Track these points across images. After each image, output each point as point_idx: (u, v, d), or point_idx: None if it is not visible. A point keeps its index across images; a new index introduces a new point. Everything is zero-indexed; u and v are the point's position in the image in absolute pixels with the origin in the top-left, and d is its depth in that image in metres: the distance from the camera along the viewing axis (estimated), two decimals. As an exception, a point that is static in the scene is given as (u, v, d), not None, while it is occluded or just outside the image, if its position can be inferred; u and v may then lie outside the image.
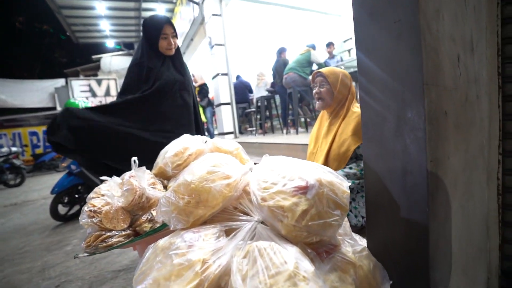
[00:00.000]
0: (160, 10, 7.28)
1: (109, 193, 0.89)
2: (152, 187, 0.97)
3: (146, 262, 0.61)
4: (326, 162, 1.30)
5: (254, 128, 4.95)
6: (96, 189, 1.01)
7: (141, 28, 1.56)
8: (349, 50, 6.82)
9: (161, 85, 1.49)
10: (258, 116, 4.72)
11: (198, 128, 1.69)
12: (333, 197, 0.62)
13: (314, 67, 4.03)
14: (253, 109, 5.03)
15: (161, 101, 1.52)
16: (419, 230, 0.54)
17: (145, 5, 6.99)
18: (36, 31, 17.48)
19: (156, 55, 1.53)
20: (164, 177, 1.13)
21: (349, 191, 0.66)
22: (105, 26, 8.01)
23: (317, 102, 1.39)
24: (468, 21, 0.66)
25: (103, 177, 1.13)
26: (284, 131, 4.29)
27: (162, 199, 0.73)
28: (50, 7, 6.56)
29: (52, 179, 2.94)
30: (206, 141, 1.22)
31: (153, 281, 0.54)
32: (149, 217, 0.92)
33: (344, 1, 7.00)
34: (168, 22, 1.49)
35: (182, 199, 0.69)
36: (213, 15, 4.77)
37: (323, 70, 1.35)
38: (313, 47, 4.16)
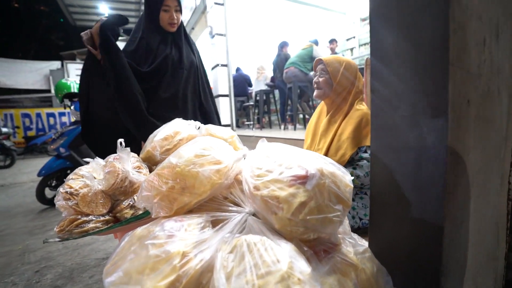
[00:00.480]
0: (162, -4, 7.10)
1: (88, 174, 0.81)
2: (137, 171, 0.89)
3: (120, 251, 0.54)
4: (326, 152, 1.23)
5: (252, 122, 4.87)
6: (76, 170, 0.93)
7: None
8: (351, 49, 6.76)
9: (158, 64, 1.35)
10: (256, 110, 4.63)
11: (209, 118, 1.53)
12: (335, 190, 0.55)
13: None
14: (252, 103, 4.94)
15: (159, 83, 1.38)
16: (431, 232, 0.48)
17: (146, -11, 6.79)
18: (33, 12, 17.01)
19: (156, 30, 1.37)
20: (152, 162, 1.05)
21: (352, 185, 0.59)
22: (104, 9, 7.79)
23: (315, 91, 1.30)
24: (495, 2, 0.59)
25: (86, 159, 1.06)
26: (282, 126, 4.22)
27: (143, 183, 0.66)
28: (48, -15, 6.34)
29: (43, 163, 2.83)
30: (199, 127, 1.14)
31: (124, 273, 0.47)
32: (131, 202, 0.84)
33: (350, -1, 6.90)
34: None
35: (165, 184, 0.62)
36: (215, 3, 4.64)
37: (325, 57, 1.25)
38: (316, 43, 4.09)
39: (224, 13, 4.75)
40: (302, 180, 0.53)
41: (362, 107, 1.20)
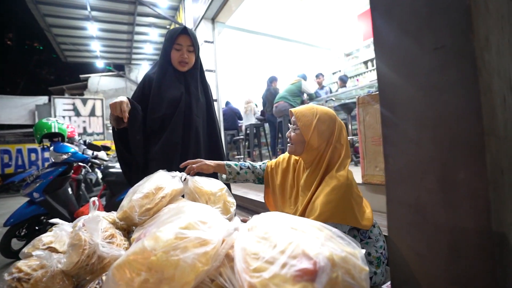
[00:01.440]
0: (153, 34, 7.33)
1: (44, 254, 0.66)
2: (108, 242, 0.75)
3: None
4: None
5: (242, 156, 4.77)
6: (35, 240, 0.78)
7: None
8: (337, 82, 7.01)
9: (166, 110, 1.28)
10: (247, 143, 4.57)
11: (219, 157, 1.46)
12: (350, 283, 0.44)
13: (305, 96, 4.02)
14: (242, 136, 4.89)
15: (163, 125, 1.30)
16: None
17: (138, 29, 7.02)
18: (25, 48, 17.25)
19: (168, 68, 1.33)
20: (131, 224, 0.91)
21: (367, 268, 0.48)
22: (96, 46, 7.94)
23: (288, 145, 1.10)
24: (506, 54, 0.54)
25: (53, 220, 0.91)
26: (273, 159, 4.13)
27: (110, 271, 0.52)
28: (40, 25, 6.46)
29: (18, 203, 2.57)
30: (185, 179, 1.02)
31: None
32: (99, 284, 0.69)
33: (334, 36, 7.34)
34: (185, 32, 1.29)
35: (137, 275, 0.49)
36: (205, 41, 4.79)
37: (296, 109, 1.05)
38: (304, 78, 4.20)
39: (214, 50, 4.89)
40: (310, 276, 0.42)
41: (342, 174, 0.96)
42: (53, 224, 0.86)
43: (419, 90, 0.43)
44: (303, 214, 1.00)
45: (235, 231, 0.58)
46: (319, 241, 0.48)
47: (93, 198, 0.89)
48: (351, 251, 0.49)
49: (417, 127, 0.45)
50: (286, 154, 1.19)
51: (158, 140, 1.28)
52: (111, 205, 2.61)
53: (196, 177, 1.02)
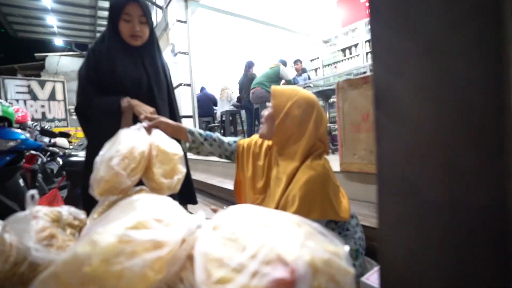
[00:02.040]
0: (120, 11, 6.74)
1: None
2: (46, 244, 0.61)
3: None
4: None
5: (218, 143, 4.64)
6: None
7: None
8: (315, 69, 7.01)
9: (121, 84, 1.11)
10: (222, 131, 4.43)
11: None
12: (335, 289, 0.37)
13: (283, 82, 3.93)
14: (217, 124, 4.73)
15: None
16: None
17: (102, 3, 6.38)
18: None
19: (119, 43, 1.13)
20: (117, 192, 0.80)
21: (353, 271, 0.41)
22: (52, 21, 7.11)
23: (260, 125, 1.02)
24: None
25: None
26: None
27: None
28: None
29: None
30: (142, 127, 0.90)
31: None
32: (31, 297, 0.56)
33: (312, 22, 7.26)
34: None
35: (67, 293, 0.38)
36: (178, 21, 4.47)
37: (275, 87, 0.96)
38: (284, 63, 4.09)
39: (187, 31, 4.59)
40: (288, 287, 0.34)
41: (318, 163, 0.88)
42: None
43: (422, 55, 0.35)
44: (276, 207, 0.93)
45: (198, 229, 0.48)
46: (297, 241, 0.40)
47: (32, 191, 0.74)
48: (334, 250, 0.42)
49: (417, 103, 0.37)
50: (259, 138, 1.09)
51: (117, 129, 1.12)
52: (72, 198, 2.38)
53: (158, 132, 0.91)
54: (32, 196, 0.75)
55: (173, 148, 0.90)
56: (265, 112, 0.97)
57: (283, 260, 0.35)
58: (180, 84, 4.49)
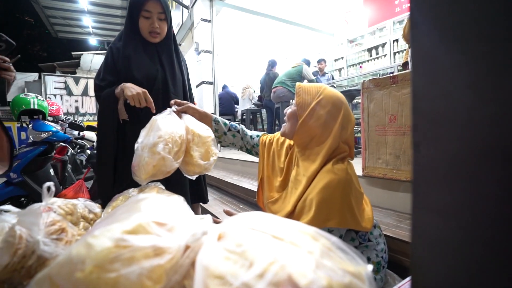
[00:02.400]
0: (148, 11, 6.98)
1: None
2: (55, 238, 0.61)
3: None
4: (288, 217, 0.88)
5: (238, 142, 4.63)
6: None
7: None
8: (339, 69, 6.79)
9: (135, 80, 1.11)
10: (243, 130, 4.42)
11: None
12: (355, 321, 0.31)
13: (306, 82, 3.84)
14: (238, 122, 4.73)
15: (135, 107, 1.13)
16: None
17: (132, 4, 6.65)
18: (16, 21, 16.51)
19: (136, 39, 1.14)
20: (164, 175, 0.84)
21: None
22: (88, 22, 7.56)
23: (282, 124, 0.96)
24: None
25: (3, 207, 0.77)
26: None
27: None
28: (28, -5, 6.09)
29: None
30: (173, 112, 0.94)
31: None
32: (38, 291, 0.55)
33: (338, 21, 7.04)
34: None
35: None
36: (202, 20, 4.52)
37: (300, 84, 0.91)
38: (307, 63, 3.99)
39: (211, 30, 4.63)
40: (300, 317, 0.28)
41: (340, 167, 0.81)
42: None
43: (469, 68, 0.28)
44: (293, 211, 0.87)
45: (204, 235, 0.44)
46: (312, 259, 0.34)
47: (47, 184, 0.75)
48: (355, 271, 0.36)
49: (465, 103, 0.30)
50: (281, 137, 1.04)
51: (133, 123, 1.12)
52: (96, 188, 2.48)
53: (188, 117, 0.96)
54: (48, 188, 0.76)
55: (205, 131, 0.93)
56: (288, 110, 0.92)
57: (295, 284, 0.30)
58: (203, 82, 4.54)
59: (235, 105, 5.16)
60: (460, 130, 0.32)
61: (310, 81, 3.74)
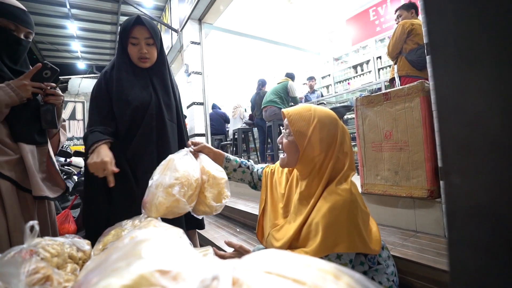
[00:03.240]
0: (137, 35, 7.07)
1: None
2: (39, 288, 0.54)
3: None
4: (289, 245, 0.84)
5: (230, 162, 4.57)
6: None
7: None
8: (327, 86, 6.98)
9: (129, 105, 1.09)
10: (234, 149, 4.38)
11: None
12: None
13: (292, 107, 3.88)
14: (230, 142, 4.70)
15: (131, 133, 1.10)
16: None
17: (121, 29, 6.74)
18: None
19: (128, 65, 1.13)
20: (175, 215, 0.86)
21: None
22: (77, 47, 7.57)
23: (280, 156, 0.93)
24: None
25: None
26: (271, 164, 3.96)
27: None
28: (14, 22, 6.06)
29: None
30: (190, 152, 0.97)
31: None
32: None
33: (323, 40, 7.33)
34: (139, 22, 1.09)
35: None
36: (192, 42, 4.60)
37: (287, 110, 0.87)
38: (291, 76, 4.03)
39: (200, 51, 4.70)
40: None
41: (344, 187, 0.78)
42: None
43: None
44: (297, 236, 0.83)
45: (214, 280, 0.39)
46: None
47: (30, 223, 0.68)
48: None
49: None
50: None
51: (126, 150, 1.08)
52: (83, 219, 2.35)
53: (204, 157, 1.00)
54: (32, 228, 0.70)
55: (220, 173, 0.96)
56: (283, 141, 0.88)
57: None
58: (193, 103, 4.54)
59: (226, 124, 5.15)
60: (491, 158, 0.30)
61: (293, 97, 3.74)
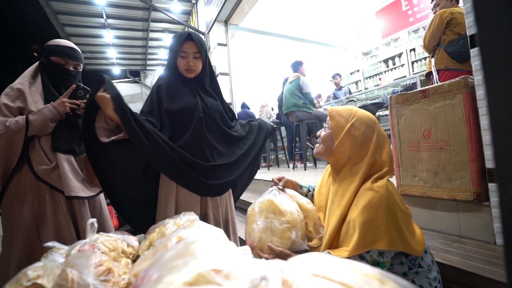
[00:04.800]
0: (167, 40, 7.38)
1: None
2: (103, 279, 0.61)
3: None
4: (330, 245, 0.87)
5: (258, 161, 4.61)
6: (20, 274, 0.65)
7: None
8: (356, 82, 6.74)
9: (179, 111, 1.20)
10: (262, 148, 4.41)
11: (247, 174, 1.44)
12: None
13: (336, 106, 3.78)
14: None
15: (179, 134, 1.21)
16: None
17: (152, 35, 7.10)
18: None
19: (176, 75, 1.26)
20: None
21: None
22: (112, 54, 8.11)
23: (315, 145, 1.00)
24: None
25: (47, 244, 0.79)
26: (291, 165, 3.94)
27: None
28: (60, 35, 6.67)
29: None
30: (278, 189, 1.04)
31: None
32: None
33: (351, 35, 7.08)
34: (189, 38, 1.21)
35: None
36: (219, 44, 4.71)
37: (331, 107, 0.95)
38: (299, 64, 3.80)
39: (227, 53, 4.80)
40: None
41: (379, 184, 0.79)
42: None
43: None
44: (337, 233, 0.84)
45: (263, 281, 0.42)
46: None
47: (91, 220, 0.76)
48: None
49: None
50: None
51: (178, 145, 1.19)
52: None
53: (289, 190, 1.07)
54: (92, 224, 0.78)
55: (309, 204, 1.02)
56: (322, 132, 0.96)
57: None
58: (221, 104, 4.66)
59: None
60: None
61: (306, 93, 3.60)
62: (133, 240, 0.91)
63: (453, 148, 1.27)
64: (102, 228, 1.37)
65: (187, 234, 0.70)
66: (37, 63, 1.31)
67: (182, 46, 1.20)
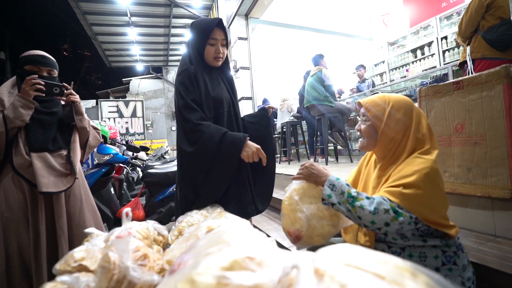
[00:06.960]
0: (188, 36, 7.49)
1: (69, 279, 0.59)
2: (140, 264, 0.65)
3: None
4: None
5: (278, 155, 4.61)
6: (67, 256, 0.72)
7: (190, 30, 1.26)
8: (381, 74, 6.47)
9: (212, 102, 1.19)
10: (282, 142, 4.40)
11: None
12: None
13: (366, 97, 3.68)
14: (277, 135, 4.73)
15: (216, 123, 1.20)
16: None
17: (174, 31, 7.24)
18: (78, 57, 19.14)
19: (204, 65, 1.21)
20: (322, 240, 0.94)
21: None
22: (136, 51, 8.39)
23: (359, 140, 1.00)
24: None
25: (87, 230, 0.85)
26: (312, 159, 3.90)
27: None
28: (88, 34, 7.00)
29: None
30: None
31: None
32: (129, 314, 0.59)
33: (375, 24, 6.78)
34: (219, 25, 1.17)
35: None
36: (239, 38, 4.71)
37: (363, 100, 0.95)
38: (320, 57, 3.72)
39: (248, 47, 4.79)
40: None
41: (427, 156, 0.82)
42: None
43: None
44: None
45: (294, 269, 0.43)
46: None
47: (126, 209, 0.81)
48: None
49: None
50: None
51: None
52: (150, 206, 2.65)
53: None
54: (127, 214, 0.83)
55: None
56: (362, 126, 0.95)
57: None
58: (242, 98, 4.68)
59: (274, 119, 5.18)
60: None
61: (327, 86, 3.51)
62: (163, 229, 0.96)
63: (489, 142, 1.19)
64: (82, 223, 1.39)
65: (216, 224, 0.73)
66: (14, 76, 1.38)
67: (213, 33, 1.15)
